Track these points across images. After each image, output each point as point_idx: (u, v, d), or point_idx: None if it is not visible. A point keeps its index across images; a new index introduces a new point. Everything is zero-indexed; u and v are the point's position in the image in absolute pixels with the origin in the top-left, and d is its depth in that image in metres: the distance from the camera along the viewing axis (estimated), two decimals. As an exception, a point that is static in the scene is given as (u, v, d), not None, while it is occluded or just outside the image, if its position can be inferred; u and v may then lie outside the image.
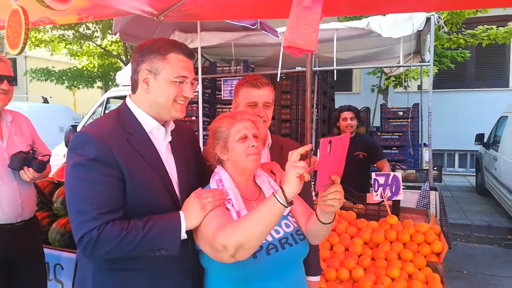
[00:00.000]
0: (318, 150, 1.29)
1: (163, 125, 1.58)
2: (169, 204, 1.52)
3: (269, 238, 1.51)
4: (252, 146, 1.56)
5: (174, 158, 1.61)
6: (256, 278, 1.47)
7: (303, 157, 1.34)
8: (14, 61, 16.80)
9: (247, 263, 1.42)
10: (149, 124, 1.54)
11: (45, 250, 2.62)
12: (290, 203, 1.30)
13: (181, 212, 1.43)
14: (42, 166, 2.33)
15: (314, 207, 1.78)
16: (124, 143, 1.45)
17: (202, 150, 1.79)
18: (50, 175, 3.64)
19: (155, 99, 1.51)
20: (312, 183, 1.95)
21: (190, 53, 1.55)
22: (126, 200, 1.42)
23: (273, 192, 1.32)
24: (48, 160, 2.47)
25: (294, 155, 1.31)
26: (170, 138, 1.61)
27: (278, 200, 1.29)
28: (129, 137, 1.48)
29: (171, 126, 1.63)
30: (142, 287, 1.49)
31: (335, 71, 4.96)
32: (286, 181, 1.30)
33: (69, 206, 1.38)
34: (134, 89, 1.56)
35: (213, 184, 1.58)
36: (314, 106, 6.20)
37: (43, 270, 2.55)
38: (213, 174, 1.63)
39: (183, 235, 1.41)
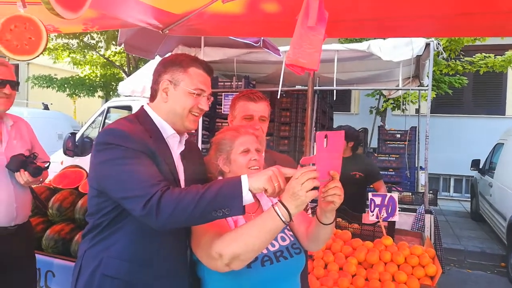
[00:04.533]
0: (314, 144, 1.31)
1: (179, 135, 1.64)
2: None
3: (264, 251, 1.52)
4: (253, 159, 1.60)
5: (184, 168, 1.66)
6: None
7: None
8: (16, 67, 16.87)
9: (242, 273, 1.44)
10: (166, 131, 1.61)
11: (38, 256, 2.61)
12: (291, 220, 1.30)
13: (244, 175, 1.36)
14: (37, 171, 2.33)
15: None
16: (149, 142, 1.51)
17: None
18: (47, 181, 3.65)
19: (172, 108, 1.59)
20: None
21: (209, 70, 1.64)
22: None
23: (272, 206, 1.31)
24: (47, 167, 2.48)
25: (298, 173, 1.28)
26: (183, 147, 1.67)
27: (279, 217, 1.29)
28: (151, 137, 1.53)
29: (185, 137, 1.70)
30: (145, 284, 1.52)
31: (335, 91, 5.01)
32: (290, 196, 1.28)
33: (122, 188, 1.39)
34: (153, 97, 1.64)
35: None
36: (313, 124, 6.25)
37: (33, 276, 2.54)
38: None
39: (247, 196, 1.32)
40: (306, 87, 4.36)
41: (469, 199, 9.45)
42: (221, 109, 5.92)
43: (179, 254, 1.62)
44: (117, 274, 1.51)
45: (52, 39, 11.01)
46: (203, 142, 5.05)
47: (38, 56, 2.03)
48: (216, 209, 1.31)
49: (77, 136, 6.72)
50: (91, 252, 1.57)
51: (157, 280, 1.57)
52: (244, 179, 1.33)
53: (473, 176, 9.15)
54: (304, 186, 1.26)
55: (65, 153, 6.48)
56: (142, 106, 1.68)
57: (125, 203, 1.40)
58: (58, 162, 6.54)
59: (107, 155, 1.44)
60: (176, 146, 1.64)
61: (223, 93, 5.87)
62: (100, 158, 1.47)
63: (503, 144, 7.20)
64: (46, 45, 2.03)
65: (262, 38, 4.31)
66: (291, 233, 1.67)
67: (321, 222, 1.48)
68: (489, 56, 7.93)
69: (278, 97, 5.37)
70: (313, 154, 1.37)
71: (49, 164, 2.53)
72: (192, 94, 1.57)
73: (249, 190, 1.32)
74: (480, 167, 8.35)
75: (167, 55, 4.88)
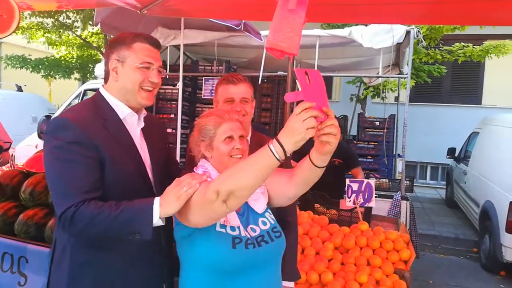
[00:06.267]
0: (297, 82, 1.25)
1: (136, 113, 1.67)
2: (142, 188, 1.59)
3: (248, 235, 1.54)
4: (236, 148, 1.58)
5: (146, 144, 1.69)
6: (233, 271, 1.49)
7: None
8: (-12, 46, 16.30)
9: (227, 253, 1.46)
10: (123, 111, 1.63)
11: (10, 242, 2.55)
12: (286, 157, 1.26)
13: (157, 198, 1.42)
14: None
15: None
16: (100, 128, 1.53)
17: (177, 147, 1.85)
18: (20, 165, 3.55)
19: (123, 86, 1.61)
20: None
21: (155, 42, 1.66)
22: (103, 183, 1.48)
23: (267, 144, 1.26)
24: (7, 148, 2.39)
25: (299, 108, 1.22)
26: (143, 125, 1.70)
27: (274, 154, 1.24)
28: (105, 122, 1.56)
29: (144, 113, 1.72)
30: (115, 269, 1.56)
31: (316, 77, 4.99)
32: (289, 133, 1.22)
33: (50, 186, 1.47)
34: (106, 79, 1.67)
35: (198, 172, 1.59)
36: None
37: None
38: (196, 166, 1.65)
39: (157, 221, 1.40)
40: (287, 73, 4.34)
41: (445, 187, 9.67)
42: (201, 93, 5.85)
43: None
44: (88, 261, 1.54)
45: (26, 17, 10.59)
46: (182, 127, 4.98)
47: (10, 34, 1.97)
48: (127, 232, 1.41)
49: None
50: (61, 239, 1.58)
51: (131, 267, 1.56)
52: (156, 208, 1.39)
53: (449, 164, 9.35)
54: (305, 123, 1.20)
55: (39, 137, 6.28)
56: (98, 89, 1.69)
57: (53, 201, 1.47)
58: (32, 145, 6.38)
59: (46, 147, 1.49)
60: (136, 124, 1.67)
61: (203, 77, 5.79)
62: (45, 149, 1.51)
63: (478, 133, 7.36)
64: (19, 23, 1.96)
65: (243, 21, 4.24)
66: (272, 216, 1.68)
67: (316, 165, 1.40)
68: (468, 46, 8.04)
69: (259, 82, 5.33)
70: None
71: (10, 144, 2.44)
72: (140, 68, 1.59)
73: (159, 217, 1.40)
74: (456, 155, 8.54)
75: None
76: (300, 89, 1.26)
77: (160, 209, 1.39)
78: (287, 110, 3.81)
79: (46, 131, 1.51)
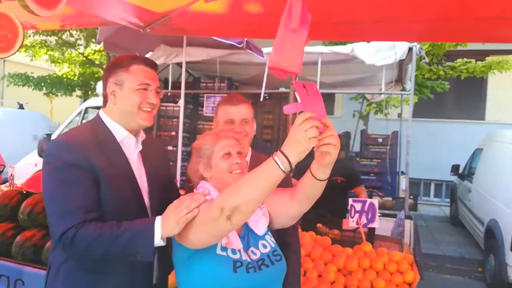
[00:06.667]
0: (295, 94, 1.26)
1: (134, 136, 1.68)
2: (136, 211, 1.58)
3: (248, 259, 1.51)
4: (235, 163, 1.57)
5: (144, 168, 1.69)
6: None
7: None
8: (-8, 64, 16.42)
9: (227, 277, 1.43)
10: (120, 134, 1.64)
11: (7, 264, 2.51)
12: (291, 169, 1.26)
13: (158, 218, 1.42)
14: None
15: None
16: (97, 150, 1.53)
17: (178, 165, 1.85)
18: (19, 184, 3.52)
19: (122, 108, 1.62)
20: None
21: (151, 64, 1.68)
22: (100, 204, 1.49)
23: (272, 156, 1.27)
24: (1, 171, 2.38)
25: (300, 119, 1.24)
26: (140, 148, 1.70)
27: (279, 166, 1.24)
28: (101, 145, 1.56)
29: (142, 136, 1.72)
30: None
31: (318, 94, 4.98)
32: (292, 144, 1.24)
33: (48, 207, 1.47)
34: (105, 103, 1.68)
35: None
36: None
37: None
38: (196, 188, 1.63)
39: (158, 242, 1.41)
40: (289, 90, 4.34)
41: (449, 204, 9.57)
42: (203, 110, 5.83)
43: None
44: (80, 285, 1.54)
45: (30, 36, 10.71)
46: (183, 145, 4.96)
47: (14, 53, 1.97)
48: (128, 254, 1.41)
49: (53, 137, 6.53)
50: (54, 262, 1.58)
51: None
52: (157, 228, 1.39)
53: (453, 181, 9.27)
54: (307, 133, 1.21)
55: (39, 155, 6.24)
56: (98, 112, 1.70)
57: (48, 222, 1.46)
58: (31, 163, 6.35)
59: (46, 168, 1.50)
60: (133, 147, 1.67)
61: (205, 95, 5.79)
62: (43, 171, 1.52)
63: (482, 149, 7.30)
64: (23, 42, 1.97)
65: (245, 39, 4.26)
66: (272, 239, 1.64)
67: (317, 178, 1.40)
68: (470, 62, 8.06)
69: (261, 99, 5.32)
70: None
71: (4, 168, 2.43)
72: (138, 90, 1.60)
73: (161, 238, 1.40)
74: (460, 172, 8.46)
75: (147, 55, 4.80)
76: (299, 100, 1.27)
77: (162, 229, 1.39)
78: (289, 126, 3.77)
79: (45, 152, 1.53)
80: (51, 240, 1.44)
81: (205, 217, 1.34)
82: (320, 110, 1.31)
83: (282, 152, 1.24)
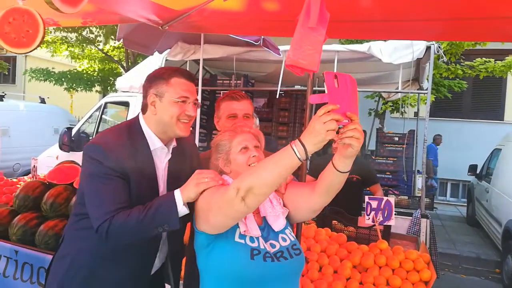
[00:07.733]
0: (324, 84, 1.27)
1: (166, 144, 1.78)
2: None
3: (266, 249, 1.54)
4: (253, 156, 1.62)
5: (168, 177, 1.79)
6: (250, 282, 1.49)
7: None
8: (14, 59, 16.73)
9: (244, 264, 1.47)
10: (154, 144, 1.74)
11: (30, 252, 2.60)
12: (307, 157, 1.30)
13: (177, 190, 1.56)
14: None
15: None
16: (131, 160, 1.65)
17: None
18: (41, 175, 3.63)
19: (161, 119, 1.71)
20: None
21: (191, 77, 1.76)
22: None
23: (290, 144, 1.31)
24: None
25: (321, 111, 1.25)
26: (169, 156, 1.80)
27: (295, 153, 1.28)
28: (135, 153, 1.68)
29: (173, 145, 1.82)
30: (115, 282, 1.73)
31: (334, 92, 4.97)
32: (310, 133, 1.26)
33: (89, 203, 1.62)
34: (144, 111, 1.77)
35: None
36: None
37: None
38: None
39: (182, 209, 1.54)
40: (306, 88, 4.34)
41: (466, 204, 9.44)
42: (220, 107, 5.88)
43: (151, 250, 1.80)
44: (86, 267, 1.72)
45: (51, 32, 10.93)
46: (200, 141, 5.02)
47: (35, 49, 2.02)
48: (157, 227, 1.54)
49: (73, 131, 6.66)
50: (70, 237, 1.80)
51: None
52: (178, 195, 1.54)
53: (470, 181, 9.14)
54: (326, 125, 1.23)
55: (60, 148, 6.42)
56: (138, 114, 1.80)
57: (89, 215, 1.62)
58: (53, 156, 6.49)
59: (86, 167, 1.65)
60: (164, 157, 1.78)
61: (221, 91, 5.84)
62: (83, 168, 1.68)
63: (500, 149, 7.19)
64: (43, 38, 2.01)
65: (262, 36, 4.28)
66: (292, 233, 1.68)
67: (338, 170, 1.42)
68: (489, 61, 7.93)
69: (277, 96, 5.34)
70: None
71: None
72: (177, 102, 1.68)
73: (183, 204, 1.53)
74: (477, 172, 8.35)
75: (165, 52, 4.85)
76: (326, 91, 1.27)
77: (182, 194, 1.53)
78: (306, 125, 3.79)
79: (85, 154, 1.66)
80: (93, 227, 1.58)
81: (223, 198, 1.41)
82: (349, 103, 1.30)
83: (300, 141, 1.28)
